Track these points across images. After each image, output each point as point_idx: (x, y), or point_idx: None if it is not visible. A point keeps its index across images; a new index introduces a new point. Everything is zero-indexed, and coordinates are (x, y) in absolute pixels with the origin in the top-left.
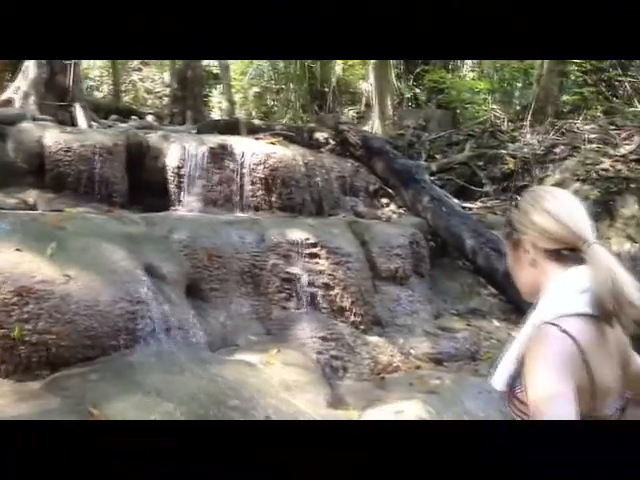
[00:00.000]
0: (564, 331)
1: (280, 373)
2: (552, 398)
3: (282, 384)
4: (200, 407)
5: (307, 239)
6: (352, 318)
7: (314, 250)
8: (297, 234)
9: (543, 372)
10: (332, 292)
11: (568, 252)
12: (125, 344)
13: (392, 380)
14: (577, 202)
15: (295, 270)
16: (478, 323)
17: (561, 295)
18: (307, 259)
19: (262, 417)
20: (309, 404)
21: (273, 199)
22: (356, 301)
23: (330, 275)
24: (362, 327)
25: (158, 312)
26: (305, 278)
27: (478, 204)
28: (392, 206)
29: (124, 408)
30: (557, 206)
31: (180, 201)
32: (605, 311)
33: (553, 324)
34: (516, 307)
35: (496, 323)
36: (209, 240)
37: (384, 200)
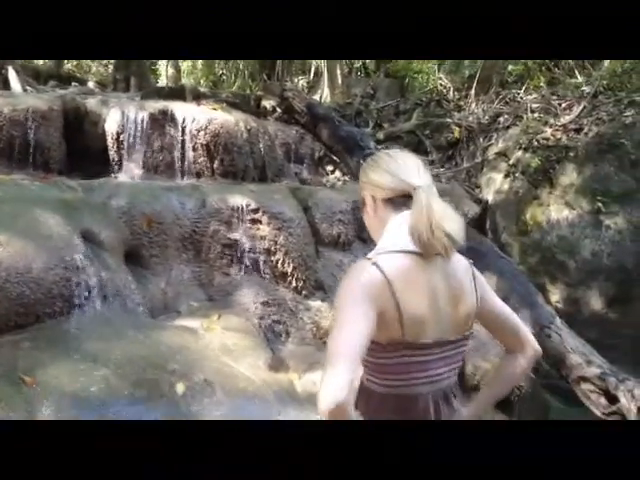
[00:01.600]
0: (374, 264)
1: (221, 338)
2: (343, 322)
3: (222, 348)
4: (137, 371)
5: (248, 205)
6: (294, 283)
7: (256, 216)
8: (238, 200)
9: (343, 298)
10: (274, 257)
11: (400, 199)
12: (60, 311)
13: None
14: (410, 157)
15: (236, 236)
16: None
17: (388, 235)
18: (249, 225)
19: (201, 380)
20: (249, 367)
21: (215, 165)
22: (298, 266)
23: (272, 241)
24: (304, 292)
25: (95, 278)
26: (247, 244)
27: None
28: (337, 173)
29: (57, 374)
30: (388, 162)
31: (120, 168)
32: (422, 242)
33: (368, 259)
34: None
35: None
36: (149, 206)
37: (329, 167)
